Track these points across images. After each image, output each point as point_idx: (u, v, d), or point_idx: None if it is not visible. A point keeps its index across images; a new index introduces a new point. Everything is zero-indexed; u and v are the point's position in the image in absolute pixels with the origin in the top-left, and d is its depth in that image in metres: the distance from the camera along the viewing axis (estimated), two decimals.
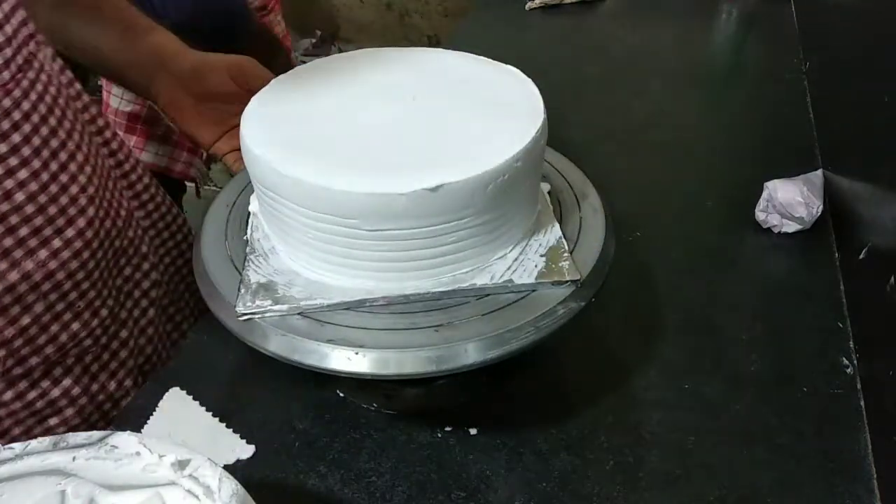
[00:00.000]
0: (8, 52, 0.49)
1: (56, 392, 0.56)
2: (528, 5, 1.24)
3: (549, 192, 0.54)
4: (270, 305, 0.46)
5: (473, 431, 0.53)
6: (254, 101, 0.50)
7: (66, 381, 0.57)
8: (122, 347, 0.61)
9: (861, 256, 0.62)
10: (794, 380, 0.56)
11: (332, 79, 0.53)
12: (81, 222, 0.55)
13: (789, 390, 0.55)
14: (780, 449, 0.51)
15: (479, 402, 0.55)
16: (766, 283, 0.66)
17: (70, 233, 0.54)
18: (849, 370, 0.56)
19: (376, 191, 0.42)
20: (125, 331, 0.62)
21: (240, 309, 0.45)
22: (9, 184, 0.50)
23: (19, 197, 0.50)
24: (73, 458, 0.37)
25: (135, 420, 0.54)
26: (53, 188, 0.52)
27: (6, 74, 0.49)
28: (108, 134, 0.63)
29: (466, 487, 0.49)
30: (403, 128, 0.47)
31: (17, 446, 0.37)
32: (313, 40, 2.36)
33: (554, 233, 0.51)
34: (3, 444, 0.37)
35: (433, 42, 2.14)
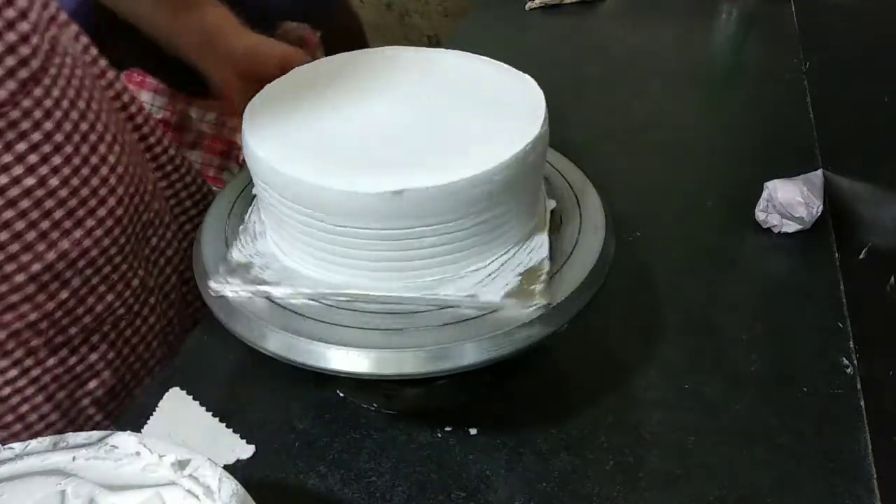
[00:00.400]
0: (34, 40, 0.51)
1: (94, 357, 0.59)
2: (528, 5, 1.24)
3: (552, 211, 0.53)
4: (240, 284, 0.46)
5: (473, 431, 0.53)
6: (255, 100, 0.50)
7: (103, 347, 0.59)
8: (151, 313, 0.64)
9: (861, 256, 0.62)
10: (794, 380, 0.56)
11: (333, 78, 0.53)
12: (112, 201, 0.57)
13: (789, 390, 0.55)
14: (780, 449, 0.51)
15: (479, 402, 0.55)
16: (766, 283, 0.66)
17: (102, 212, 0.56)
18: (849, 370, 0.56)
19: (357, 189, 0.42)
20: (153, 297, 0.64)
21: (212, 285, 0.46)
22: (43, 170, 0.51)
23: (53, 182, 0.52)
24: (73, 458, 0.37)
25: (135, 420, 0.54)
26: (85, 171, 0.54)
27: (35, 63, 0.50)
28: (133, 109, 0.65)
29: (466, 487, 0.49)
30: (402, 128, 0.47)
31: (17, 446, 0.37)
32: None
33: (539, 252, 0.49)
34: (2, 444, 0.37)
35: (433, 42, 2.14)
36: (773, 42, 1.11)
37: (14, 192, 0.50)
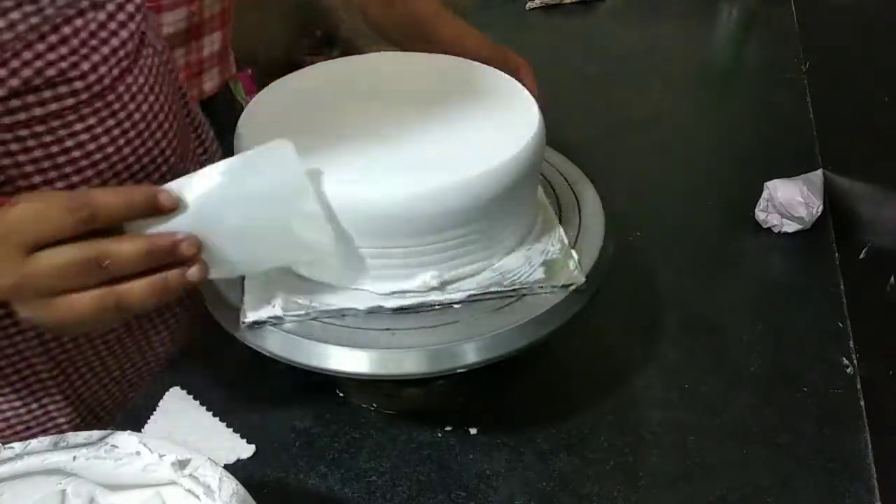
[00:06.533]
0: (131, 25, 0.51)
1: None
2: (528, 5, 1.24)
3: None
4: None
5: (473, 431, 0.53)
6: (251, 105, 0.50)
7: None
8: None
9: (861, 256, 0.62)
10: (794, 380, 0.56)
11: (328, 83, 0.53)
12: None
13: (789, 390, 0.55)
14: (780, 448, 0.51)
15: (479, 402, 0.55)
16: (766, 283, 0.66)
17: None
18: (849, 370, 0.56)
19: (368, 196, 0.42)
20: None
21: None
22: (126, 150, 0.52)
23: (130, 160, 0.53)
24: (74, 458, 0.37)
25: (135, 420, 0.54)
26: (147, 159, 0.54)
27: (130, 48, 0.51)
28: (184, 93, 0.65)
29: (466, 487, 0.49)
30: (395, 133, 0.47)
31: (18, 446, 0.37)
32: (314, 40, 2.36)
33: (556, 238, 0.50)
34: (2, 444, 0.37)
35: None
36: (773, 42, 1.11)
37: (100, 169, 0.51)
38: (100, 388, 0.62)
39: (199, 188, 0.39)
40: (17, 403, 0.58)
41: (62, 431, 0.60)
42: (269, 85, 0.52)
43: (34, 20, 0.45)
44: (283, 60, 2.00)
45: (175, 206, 0.39)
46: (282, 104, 0.50)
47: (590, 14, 1.23)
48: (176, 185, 0.40)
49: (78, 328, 0.43)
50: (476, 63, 0.55)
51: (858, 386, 0.55)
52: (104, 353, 0.61)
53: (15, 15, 0.44)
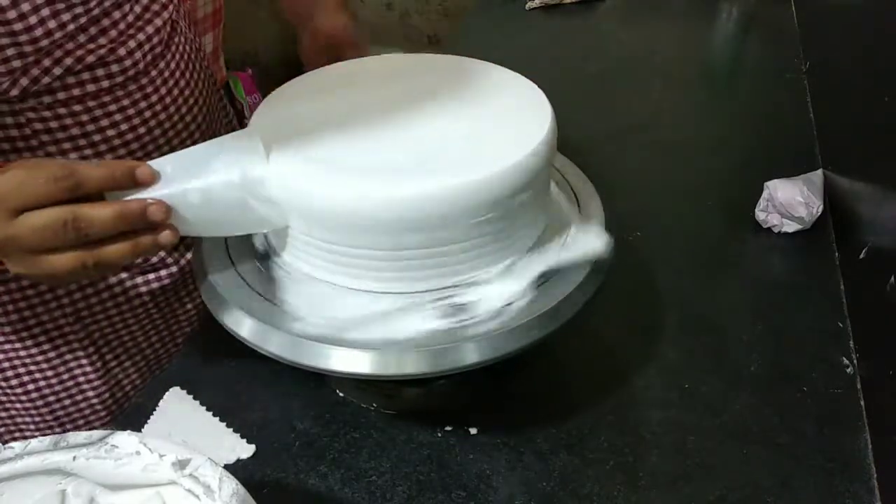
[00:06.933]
0: (165, 14, 0.55)
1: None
2: (528, 5, 1.24)
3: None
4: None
5: (473, 431, 0.53)
6: (262, 107, 0.50)
7: None
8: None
9: (861, 256, 0.62)
10: (794, 380, 0.56)
11: (338, 84, 0.53)
12: None
13: (789, 390, 0.55)
14: (780, 449, 0.51)
15: (479, 402, 0.55)
16: (766, 283, 0.66)
17: None
18: (849, 370, 0.56)
19: (380, 196, 0.42)
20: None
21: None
22: (156, 131, 0.55)
23: (160, 141, 0.57)
24: (74, 458, 0.37)
25: (135, 420, 0.54)
26: (177, 140, 0.58)
27: (164, 35, 0.55)
28: (214, 71, 0.68)
29: (466, 487, 0.49)
30: (407, 134, 0.47)
31: (18, 446, 0.37)
32: None
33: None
34: (3, 444, 0.37)
35: (433, 42, 2.13)
36: (773, 42, 1.11)
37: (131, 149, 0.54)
38: (128, 362, 0.64)
39: (173, 166, 0.43)
40: (50, 374, 0.61)
41: (91, 405, 0.63)
42: (276, 90, 0.52)
43: (82, 20, 0.48)
44: (283, 60, 2.00)
45: (152, 181, 0.42)
46: (289, 108, 0.50)
47: (590, 14, 1.23)
48: (154, 163, 0.43)
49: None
50: (481, 62, 0.55)
51: (858, 386, 0.55)
52: (134, 327, 0.62)
53: (66, 16, 0.47)
